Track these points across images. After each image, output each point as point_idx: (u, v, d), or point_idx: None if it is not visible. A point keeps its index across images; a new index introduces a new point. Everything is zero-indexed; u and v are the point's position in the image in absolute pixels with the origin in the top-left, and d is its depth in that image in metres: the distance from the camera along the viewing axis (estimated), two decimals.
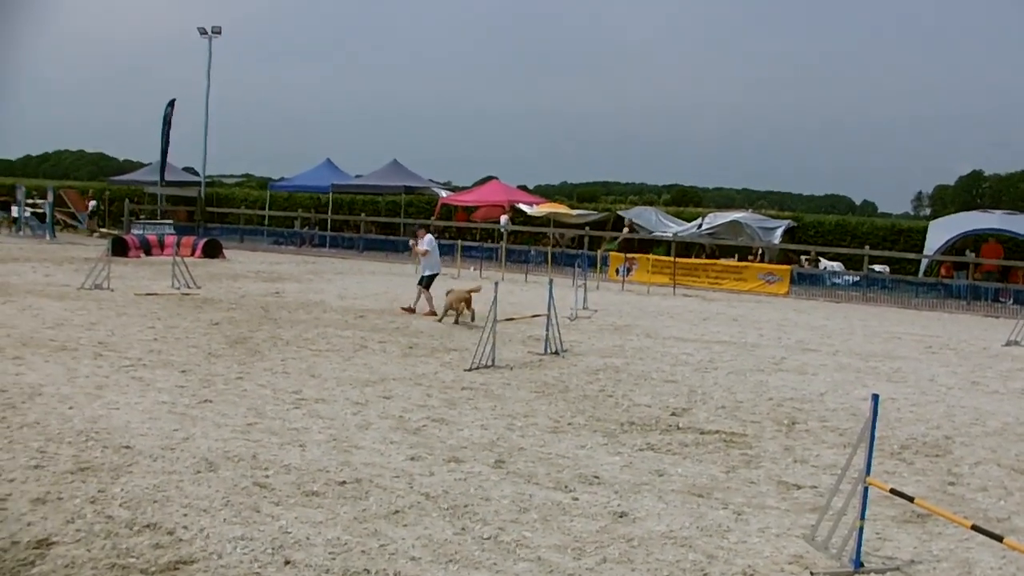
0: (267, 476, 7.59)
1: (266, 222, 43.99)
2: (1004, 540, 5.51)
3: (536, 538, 6.55)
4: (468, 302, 17.99)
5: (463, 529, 6.63)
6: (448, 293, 18.12)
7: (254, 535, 6.25)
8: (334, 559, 5.93)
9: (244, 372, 11.90)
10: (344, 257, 36.12)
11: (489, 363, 13.06)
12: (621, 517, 7.14)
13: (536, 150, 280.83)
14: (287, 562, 5.84)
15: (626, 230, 36.05)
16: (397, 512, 6.90)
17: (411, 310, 18.93)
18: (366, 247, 38.45)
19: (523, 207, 38.58)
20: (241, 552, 5.96)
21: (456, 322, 17.66)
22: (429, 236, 19.27)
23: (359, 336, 15.35)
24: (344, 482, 7.55)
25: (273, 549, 6.03)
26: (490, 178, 47.93)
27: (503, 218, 37.53)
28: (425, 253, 18.93)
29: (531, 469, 8.27)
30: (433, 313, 18.45)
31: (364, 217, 41.10)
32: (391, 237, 38.79)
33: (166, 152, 41.82)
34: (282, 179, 52.09)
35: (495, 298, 13.15)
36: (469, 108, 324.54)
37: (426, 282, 18.94)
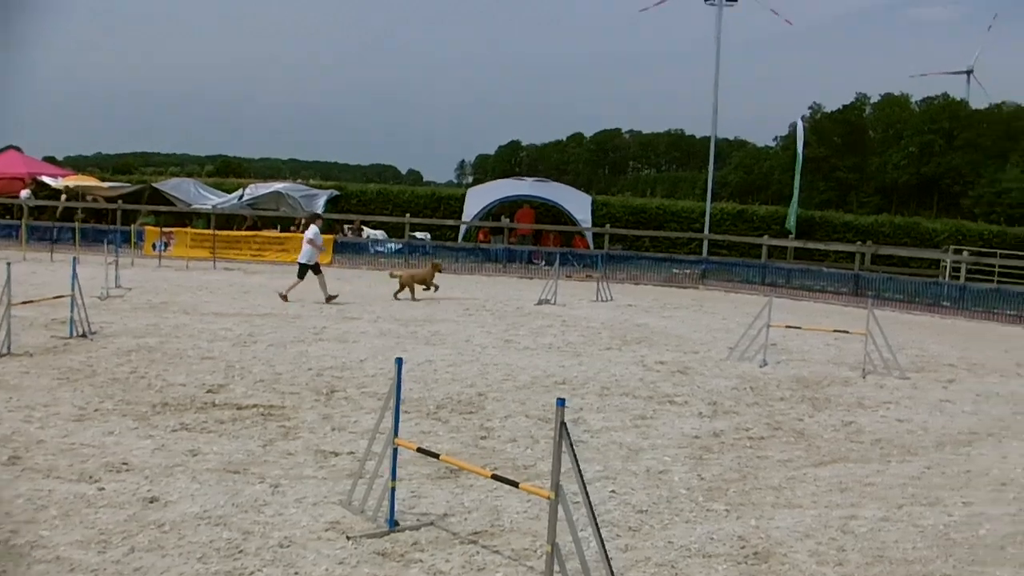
0: None
1: None
2: (520, 485, 5.87)
3: (55, 536, 6.09)
4: (426, 280, 20.96)
5: None
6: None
7: None
8: None
9: None
10: None
11: (4, 351, 11.97)
12: (152, 503, 6.84)
13: (68, 120, 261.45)
14: None
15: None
16: None
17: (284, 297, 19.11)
18: None
19: (47, 180, 35.83)
20: None
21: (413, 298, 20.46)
22: (315, 227, 19.99)
23: None
24: None
25: None
26: (8, 148, 43.85)
27: (24, 192, 34.58)
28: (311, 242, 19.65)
29: (51, 462, 7.68)
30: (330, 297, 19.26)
31: None
32: None
33: None
34: None
35: (8, 279, 12.05)
36: None
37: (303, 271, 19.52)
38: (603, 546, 5.26)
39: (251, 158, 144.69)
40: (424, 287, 21.00)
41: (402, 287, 20.71)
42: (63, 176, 36.90)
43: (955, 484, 8.50)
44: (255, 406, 10.00)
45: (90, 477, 7.37)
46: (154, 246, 29.06)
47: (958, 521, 7.41)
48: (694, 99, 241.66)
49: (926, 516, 7.50)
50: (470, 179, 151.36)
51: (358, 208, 35.72)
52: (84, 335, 13.50)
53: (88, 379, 10.92)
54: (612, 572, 5.25)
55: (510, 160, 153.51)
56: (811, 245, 31.59)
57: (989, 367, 15.27)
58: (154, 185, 35.94)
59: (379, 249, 31.81)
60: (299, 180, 43.97)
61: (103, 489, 7.09)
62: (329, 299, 19.15)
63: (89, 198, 35.21)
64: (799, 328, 15.88)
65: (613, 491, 7.74)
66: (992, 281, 29.44)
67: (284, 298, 18.93)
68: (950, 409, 11.77)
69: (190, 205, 34.06)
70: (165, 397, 10.21)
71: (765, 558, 6.41)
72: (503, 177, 47.42)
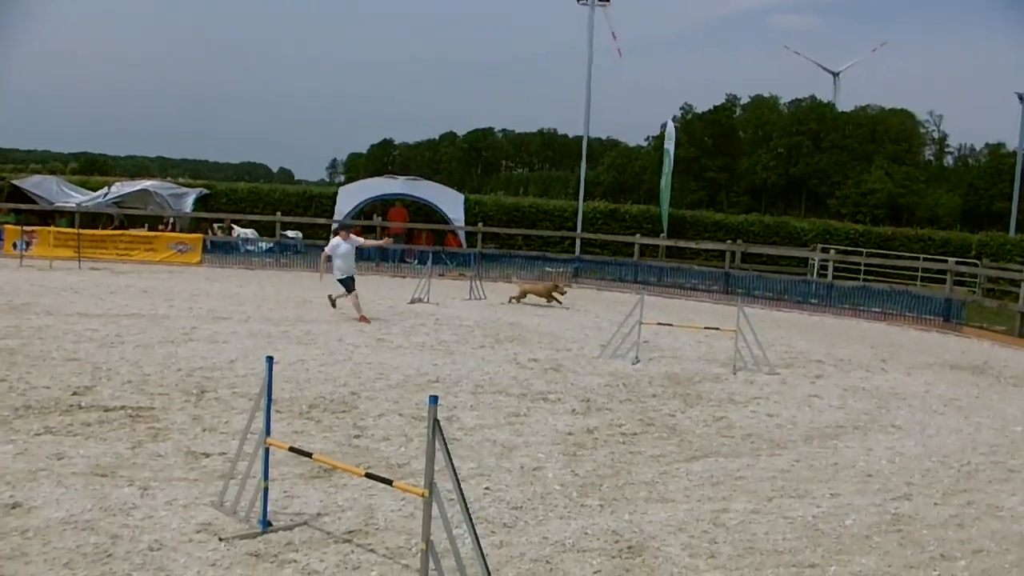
0: None
1: None
2: (394, 483, 5.87)
3: None
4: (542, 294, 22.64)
5: None
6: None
7: None
8: None
9: None
10: None
11: None
12: (14, 508, 6.64)
13: None
14: None
15: None
16: None
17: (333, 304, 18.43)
18: None
19: None
20: None
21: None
22: (338, 239, 18.65)
23: None
24: None
25: None
26: None
27: None
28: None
29: None
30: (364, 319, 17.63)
31: None
32: None
33: None
34: None
35: None
36: None
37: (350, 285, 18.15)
38: (478, 543, 5.30)
39: (117, 155, 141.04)
40: (543, 299, 22.65)
41: (522, 294, 22.63)
42: None
43: (822, 476, 8.81)
44: (123, 408, 9.76)
45: None
46: (15, 245, 28.02)
47: (825, 512, 7.68)
48: (567, 99, 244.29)
49: (795, 508, 7.76)
50: (342, 178, 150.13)
51: (228, 207, 35.05)
52: None
53: None
54: (487, 568, 5.30)
55: (383, 159, 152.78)
56: (682, 244, 32.17)
57: (855, 363, 15.82)
58: (14, 183, 34.63)
59: (249, 248, 31.26)
60: (167, 178, 42.87)
61: None
62: (362, 319, 17.71)
63: None
64: (671, 326, 16.22)
65: (487, 488, 7.80)
66: (858, 279, 30.40)
67: (332, 303, 18.44)
68: (818, 404, 12.17)
69: (53, 203, 32.96)
70: (28, 400, 9.88)
71: (639, 552, 6.55)
72: (375, 176, 47.10)
